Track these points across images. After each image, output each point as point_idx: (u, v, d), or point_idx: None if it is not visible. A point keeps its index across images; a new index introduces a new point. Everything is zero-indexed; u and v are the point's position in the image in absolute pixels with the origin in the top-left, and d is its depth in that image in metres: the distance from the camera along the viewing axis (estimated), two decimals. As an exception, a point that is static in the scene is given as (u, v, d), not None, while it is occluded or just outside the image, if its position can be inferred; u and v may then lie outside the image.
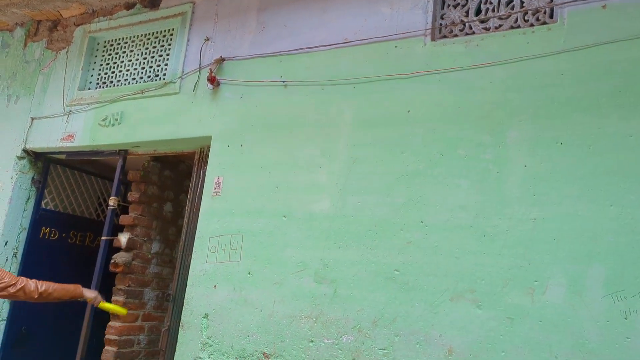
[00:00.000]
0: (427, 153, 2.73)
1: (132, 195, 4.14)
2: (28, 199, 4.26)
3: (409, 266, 2.61)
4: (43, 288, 2.90)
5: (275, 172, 3.13)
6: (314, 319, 2.75)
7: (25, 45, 4.58)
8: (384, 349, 2.56)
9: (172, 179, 4.39)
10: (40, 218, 4.32)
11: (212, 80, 3.45)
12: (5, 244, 4.03)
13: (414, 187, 2.71)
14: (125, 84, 4.00)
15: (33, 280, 2.90)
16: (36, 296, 2.88)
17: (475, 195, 2.56)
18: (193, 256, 3.25)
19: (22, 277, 2.89)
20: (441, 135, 2.72)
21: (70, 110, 4.10)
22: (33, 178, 4.29)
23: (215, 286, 3.09)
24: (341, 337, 2.66)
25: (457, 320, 2.45)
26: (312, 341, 2.73)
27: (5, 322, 4.06)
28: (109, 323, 3.89)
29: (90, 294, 2.99)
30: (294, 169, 3.08)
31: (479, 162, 2.60)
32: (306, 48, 3.23)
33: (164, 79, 3.80)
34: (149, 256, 4.16)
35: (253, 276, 3.00)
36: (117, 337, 3.84)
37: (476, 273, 2.47)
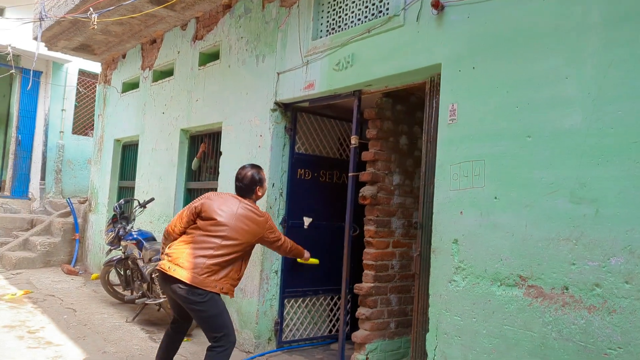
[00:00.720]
0: None
1: (370, 132, 4.36)
2: (284, 146, 4.84)
3: (693, 178, 2.24)
4: (289, 247, 3.75)
5: (514, 90, 2.94)
6: (574, 241, 2.58)
7: (263, 7, 5.07)
8: (665, 272, 2.28)
9: (405, 113, 4.49)
10: (295, 161, 4.89)
11: (436, 5, 3.35)
12: (272, 185, 4.71)
13: (694, 84, 2.27)
14: (352, 26, 4.15)
15: (287, 239, 3.73)
16: (283, 253, 3.78)
17: None
18: (435, 185, 3.31)
19: (283, 236, 3.68)
20: None
21: (307, 61, 4.45)
22: (285, 127, 4.84)
23: (461, 212, 3.11)
24: (609, 259, 2.45)
25: None
26: (573, 264, 2.58)
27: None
28: (365, 250, 4.28)
29: (307, 254, 3.98)
30: (534, 84, 2.85)
31: None
32: (538, -54, 2.88)
33: (387, 14, 3.83)
34: (392, 188, 4.38)
35: (500, 200, 2.93)
36: (373, 262, 4.22)
37: None
